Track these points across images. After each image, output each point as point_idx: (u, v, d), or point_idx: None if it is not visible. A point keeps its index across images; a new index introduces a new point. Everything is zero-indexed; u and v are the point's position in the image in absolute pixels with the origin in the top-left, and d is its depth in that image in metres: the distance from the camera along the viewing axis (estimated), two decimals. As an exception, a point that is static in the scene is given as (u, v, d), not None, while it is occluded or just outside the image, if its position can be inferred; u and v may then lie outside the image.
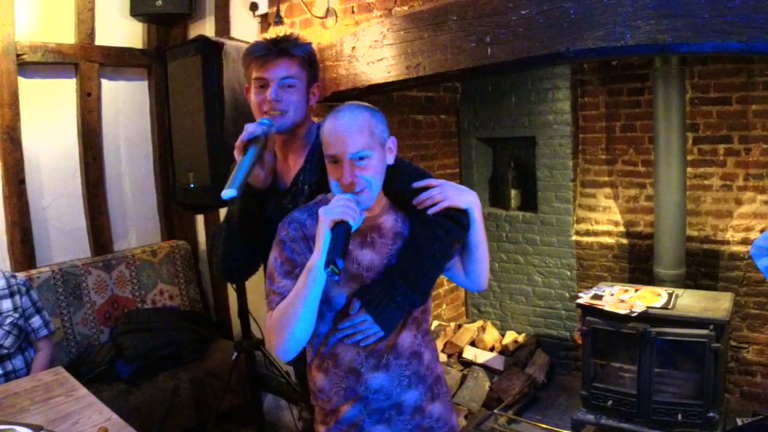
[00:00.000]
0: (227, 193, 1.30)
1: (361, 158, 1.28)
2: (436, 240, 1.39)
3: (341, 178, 1.29)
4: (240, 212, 1.55)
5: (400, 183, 1.44)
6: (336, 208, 1.23)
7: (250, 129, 1.44)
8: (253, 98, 1.56)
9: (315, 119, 1.71)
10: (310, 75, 1.58)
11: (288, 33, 1.58)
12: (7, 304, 2.31)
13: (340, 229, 1.22)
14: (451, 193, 1.41)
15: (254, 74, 1.54)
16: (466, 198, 1.43)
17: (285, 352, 1.30)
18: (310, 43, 1.60)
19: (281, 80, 1.51)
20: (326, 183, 1.37)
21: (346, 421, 1.38)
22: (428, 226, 1.40)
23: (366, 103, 1.38)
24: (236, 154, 1.44)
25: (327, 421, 1.41)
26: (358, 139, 1.28)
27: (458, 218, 1.42)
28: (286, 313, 1.27)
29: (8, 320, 2.29)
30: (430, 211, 1.39)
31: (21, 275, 2.59)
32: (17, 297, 2.35)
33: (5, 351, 2.27)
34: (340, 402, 1.38)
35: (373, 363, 1.36)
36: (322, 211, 1.25)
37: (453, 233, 1.42)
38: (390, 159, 1.37)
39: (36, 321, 2.40)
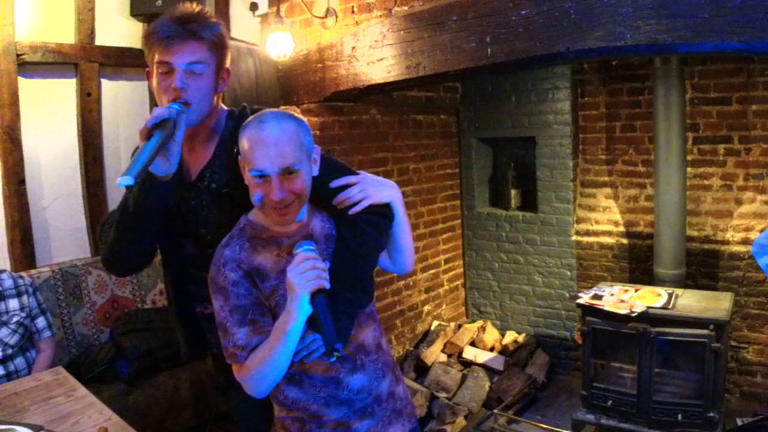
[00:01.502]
0: (123, 180, 1.14)
1: (291, 172, 1.20)
2: (366, 237, 1.34)
3: (270, 194, 1.19)
4: (136, 201, 1.35)
5: (322, 183, 1.35)
6: (306, 275, 1.14)
7: (156, 113, 1.27)
8: (155, 84, 1.39)
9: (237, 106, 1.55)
10: (219, 59, 1.41)
11: (196, 10, 1.40)
12: (14, 304, 2.34)
13: (320, 302, 1.14)
14: (371, 190, 1.35)
15: (157, 57, 1.35)
16: (386, 193, 1.38)
17: (264, 394, 1.28)
18: (220, 23, 1.43)
19: (187, 65, 1.34)
20: (238, 184, 1.29)
21: (331, 422, 1.34)
22: (355, 224, 1.34)
23: (290, 111, 1.29)
24: (139, 139, 1.27)
25: (306, 426, 1.35)
26: (288, 152, 1.19)
27: (382, 212, 1.37)
28: (262, 368, 1.22)
29: (14, 319, 2.32)
30: (352, 211, 1.34)
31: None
32: (24, 297, 2.38)
33: (9, 350, 2.29)
34: (320, 409, 1.33)
35: (349, 367, 1.34)
36: (291, 277, 1.15)
37: (381, 226, 1.37)
38: (315, 170, 1.29)
39: (41, 322, 2.43)
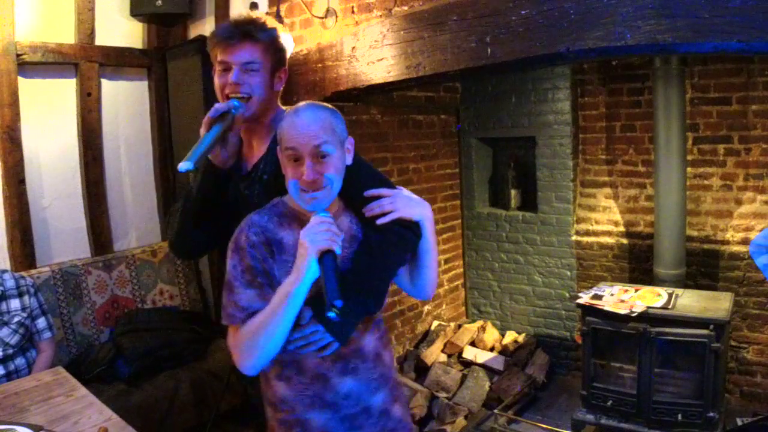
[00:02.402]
0: (183, 165, 1.28)
1: (323, 155, 1.25)
2: (389, 245, 1.37)
3: (303, 175, 1.24)
4: (198, 189, 1.52)
5: (356, 185, 1.40)
6: (319, 235, 1.19)
7: (217, 107, 1.43)
8: (216, 81, 1.53)
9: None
10: (274, 60, 1.54)
11: (254, 16, 1.53)
12: (15, 304, 2.35)
13: (328, 261, 1.18)
14: (402, 205, 1.37)
15: (218, 57, 1.51)
16: (418, 210, 1.39)
17: (254, 369, 1.27)
18: (275, 28, 1.55)
19: (244, 64, 1.48)
20: (281, 175, 1.34)
21: (316, 430, 1.32)
22: (382, 232, 1.37)
23: (325, 103, 1.36)
24: (202, 130, 1.42)
25: (291, 431, 1.33)
26: (320, 134, 1.25)
27: (410, 226, 1.40)
28: (258, 333, 1.22)
29: (16, 319, 2.33)
30: (379, 221, 1.36)
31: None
32: (26, 297, 2.38)
33: (10, 350, 2.30)
34: (306, 411, 1.32)
35: (340, 368, 1.32)
36: (304, 236, 1.20)
37: (406, 239, 1.40)
38: (348, 159, 1.34)
39: (41, 322, 2.44)
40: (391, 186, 1.47)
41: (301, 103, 1.33)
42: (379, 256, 1.35)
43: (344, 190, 1.36)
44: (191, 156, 1.30)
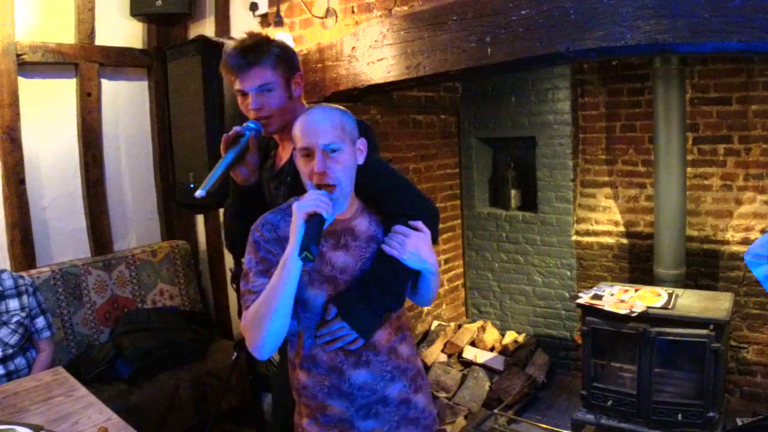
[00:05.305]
0: (198, 193, 1.46)
1: (333, 150, 1.32)
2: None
3: (314, 168, 1.31)
4: (232, 207, 1.75)
5: (375, 185, 1.47)
6: (309, 201, 1.26)
7: (234, 130, 1.60)
8: (240, 104, 1.66)
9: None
10: (286, 72, 1.64)
11: (255, 38, 1.62)
12: (14, 303, 2.35)
13: (313, 220, 1.25)
14: (408, 250, 1.38)
15: (234, 84, 1.63)
16: (418, 263, 1.40)
17: (261, 350, 1.31)
18: (277, 44, 1.64)
19: (257, 89, 1.59)
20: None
21: (335, 416, 1.40)
22: None
23: (337, 105, 1.42)
24: (222, 149, 1.61)
25: (314, 414, 1.43)
26: (330, 131, 1.32)
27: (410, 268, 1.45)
28: (261, 309, 1.28)
29: (15, 319, 2.33)
30: (384, 246, 1.39)
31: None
32: (25, 297, 2.39)
33: (10, 350, 2.30)
34: (325, 399, 1.40)
35: (353, 360, 1.40)
36: (295, 205, 1.27)
37: (408, 270, 1.45)
38: (360, 159, 1.40)
39: (40, 321, 2.44)
40: (409, 189, 1.54)
41: (314, 106, 1.40)
42: (397, 259, 1.39)
43: (363, 191, 1.43)
44: (206, 184, 1.49)
